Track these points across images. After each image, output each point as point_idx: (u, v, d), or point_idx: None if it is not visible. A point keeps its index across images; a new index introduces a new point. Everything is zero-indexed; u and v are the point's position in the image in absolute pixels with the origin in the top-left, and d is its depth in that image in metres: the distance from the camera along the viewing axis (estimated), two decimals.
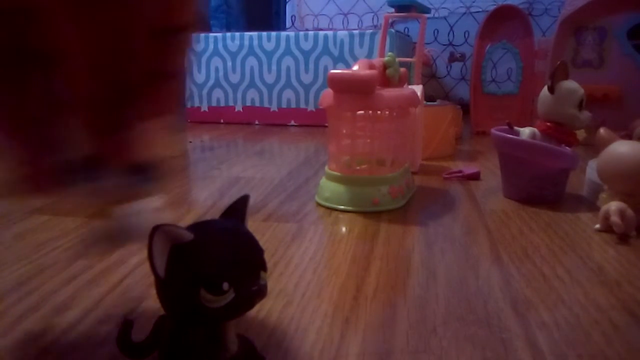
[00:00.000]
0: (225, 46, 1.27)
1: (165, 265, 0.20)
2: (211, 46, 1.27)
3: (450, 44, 1.42)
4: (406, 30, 1.44)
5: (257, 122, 1.28)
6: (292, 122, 1.26)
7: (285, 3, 1.59)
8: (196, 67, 1.29)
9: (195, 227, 0.22)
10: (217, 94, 1.30)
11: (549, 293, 0.34)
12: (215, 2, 1.58)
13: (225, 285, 0.20)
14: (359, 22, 1.53)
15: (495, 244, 0.43)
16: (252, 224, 0.26)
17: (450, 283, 0.35)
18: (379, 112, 0.54)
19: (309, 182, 0.65)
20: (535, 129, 0.56)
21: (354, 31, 1.20)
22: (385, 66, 0.56)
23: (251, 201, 0.24)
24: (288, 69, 1.24)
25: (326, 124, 0.55)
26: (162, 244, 0.20)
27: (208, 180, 0.68)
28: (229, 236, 0.21)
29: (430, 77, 1.43)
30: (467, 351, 0.27)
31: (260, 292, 0.21)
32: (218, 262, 0.20)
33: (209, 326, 0.22)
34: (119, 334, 0.23)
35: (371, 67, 0.56)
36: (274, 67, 1.24)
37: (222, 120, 1.31)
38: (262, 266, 0.22)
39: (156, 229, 0.19)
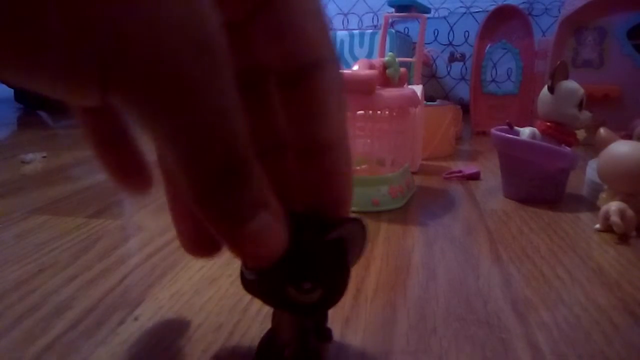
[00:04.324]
0: None
1: None
2: None
3: (450, 44, 1.42)
4: (406, 30, 1.44)
5: None
6: None
7: None
8: None
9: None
10: None
11: (549, 293, 0.34)
12: None
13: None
14: (359, 22, 1.53)
15: (495, 244, 0.43)
16: None
17: (450, 283, 0.35)
18: (379, 112, 0.54)
19: None
20: (535, 129, 0.56)
21: (354, 31, 1.20)
22: (385, 66, 0.56)
23: None
24: None
25: None
26: None
27: None
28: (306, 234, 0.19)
29: (430, 77, 1.43)
30: (467, 351, 0.27)
31: (286, 300, 0.20)
32: None
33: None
34: None
35: (371, 67, 0.56)
36: None
37: None
38: (290, 277, 0.20)
39: None
